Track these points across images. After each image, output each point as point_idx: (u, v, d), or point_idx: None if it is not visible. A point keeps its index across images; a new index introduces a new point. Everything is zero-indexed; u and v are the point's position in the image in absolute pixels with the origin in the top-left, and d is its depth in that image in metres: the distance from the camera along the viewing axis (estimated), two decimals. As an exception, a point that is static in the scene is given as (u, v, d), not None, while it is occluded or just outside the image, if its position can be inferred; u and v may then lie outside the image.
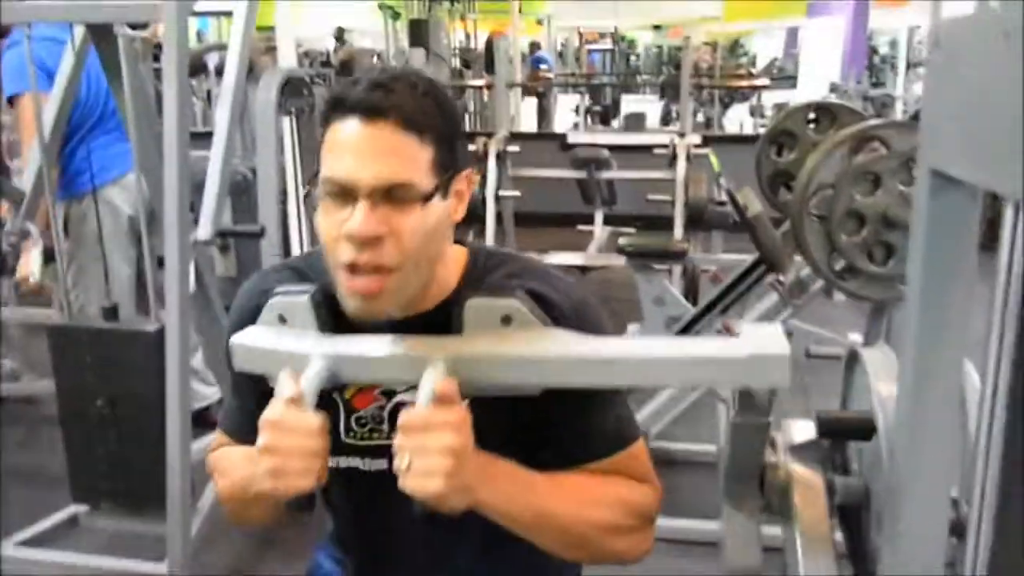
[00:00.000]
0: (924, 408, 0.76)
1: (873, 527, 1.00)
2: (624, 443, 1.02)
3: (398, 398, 1.02)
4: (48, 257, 2.44)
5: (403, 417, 0.87)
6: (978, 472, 0.68)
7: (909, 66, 10.08)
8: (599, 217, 5.47)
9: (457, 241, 1.03)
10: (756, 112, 9.04)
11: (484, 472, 0.90)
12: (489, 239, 4.89)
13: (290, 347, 0.94)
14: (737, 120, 9.60)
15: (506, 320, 0.89)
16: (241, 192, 2.88)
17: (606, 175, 5.09)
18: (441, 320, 0.94)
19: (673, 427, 2.54)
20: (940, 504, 0.76)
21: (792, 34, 14.66)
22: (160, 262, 2.03)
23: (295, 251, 3.13)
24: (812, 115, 2.60)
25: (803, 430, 1.13)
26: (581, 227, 5.50)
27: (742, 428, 1.02)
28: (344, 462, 1.05)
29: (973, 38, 0.67)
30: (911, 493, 0.77)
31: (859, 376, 1.10)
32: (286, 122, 2.78)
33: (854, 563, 1.06)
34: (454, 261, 1.02)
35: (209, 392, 2.93)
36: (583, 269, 5.34)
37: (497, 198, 4.91)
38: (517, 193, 5.08)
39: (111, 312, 2.05)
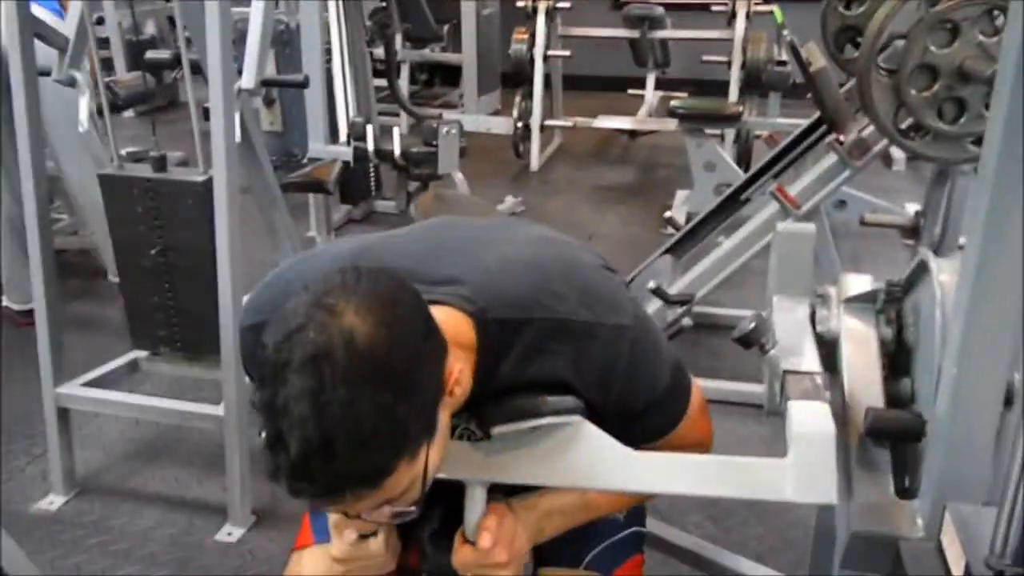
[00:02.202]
0: (990, 279, 0.73)
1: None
2: (673, 423, 1.02)
3: None
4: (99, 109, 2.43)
5: (459, 557, 0.95)
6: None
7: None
8: (651, 80, 5.28)
9: (455, 305, 0.90)
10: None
11: (537, 536, 0.99)
12: (536, 102, 4.76)
13: None
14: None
15: (534, 429, 0.91)
16: (284, 44, 2.81)
17: (660, 34, 4.87)
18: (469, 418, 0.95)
19: (718, 292, 2.52)
20: (998, 377, 0.73)
21: None
22: (205, 113, 2.01)
23: (340, 109, 3.08)
24: (887, -37, 2.41)
25: (858, 283, 1.10)
26: (632, 91, 5.32)
27: None
28: None
29: None
30: (968, 368, 0.75)
31: (925, 289, 1.03)
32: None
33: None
34: (463, 344, 0.89)
35: None
36: (632, 133, 5.20)
37: (545, 58, 4.73)
38: (566, 53, 4.89)
39: (159, 162, 2.05)
